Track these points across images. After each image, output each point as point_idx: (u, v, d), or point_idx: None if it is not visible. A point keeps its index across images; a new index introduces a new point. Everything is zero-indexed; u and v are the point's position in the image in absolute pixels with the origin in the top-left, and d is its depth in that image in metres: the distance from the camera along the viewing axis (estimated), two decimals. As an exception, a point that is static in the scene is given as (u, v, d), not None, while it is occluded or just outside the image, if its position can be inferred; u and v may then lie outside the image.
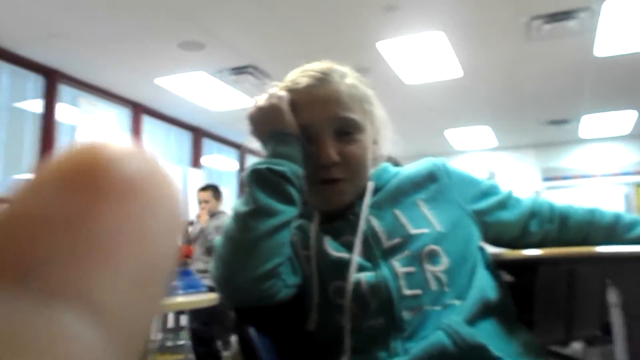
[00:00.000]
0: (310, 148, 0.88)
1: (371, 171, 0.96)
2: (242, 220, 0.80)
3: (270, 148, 0.86)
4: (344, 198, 0.90)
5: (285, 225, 0.82)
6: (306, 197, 0.90)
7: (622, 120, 7.30)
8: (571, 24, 4.32)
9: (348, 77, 0.92)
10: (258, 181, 0.82)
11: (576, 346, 2.98)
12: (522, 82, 5.81)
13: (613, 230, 0.96)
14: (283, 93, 0.89)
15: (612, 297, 1.81)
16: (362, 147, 0.90)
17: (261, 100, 0.90)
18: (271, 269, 0.79)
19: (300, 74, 0.91)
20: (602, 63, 5.19)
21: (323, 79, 0.89)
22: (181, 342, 5.52)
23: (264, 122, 0.89)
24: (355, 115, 0.89)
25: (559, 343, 1.19)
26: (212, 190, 5.09)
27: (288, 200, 0.82)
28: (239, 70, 5.19)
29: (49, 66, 5.08)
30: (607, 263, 0.91)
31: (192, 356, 5.16)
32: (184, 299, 1.90)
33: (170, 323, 5.65)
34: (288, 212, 0.82)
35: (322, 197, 0.91)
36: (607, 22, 4.28)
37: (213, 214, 4.97)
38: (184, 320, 5.50)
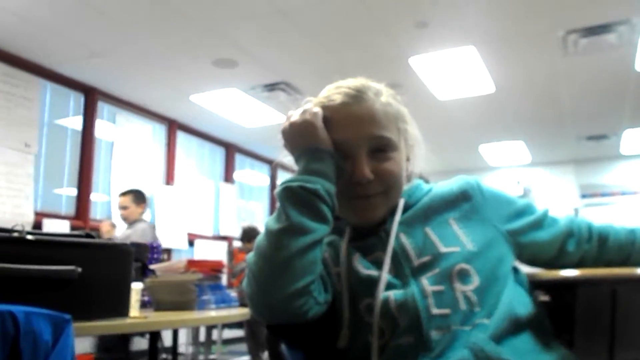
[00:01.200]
0: (345, 165, 0.88)
1: (404, 188, 0.95)
2: (275, 237, 0.80)
3: (303, 164, 0.86)
4: (377, 213, 0.90)
5: (317, 243, 0.81)
6: (338, 212, 0.90)
7: (664, 135, 7.07)
8: (610, 37, 4.23)
9: (383, 95, 0.92)
10: (291, 198, 0.82)
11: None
12: (558, 97, 5.71)
13: (656, 251, 0.93)
14: (317, 109, 0.89)
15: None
16: (396, 164, 0.90)
17: (295, 115, 0.90)
18: (303, 286, 0.79)
19: (335, 91, 0.91)
20: (642, 77, 5.06)
21: (358, 97, 0.89)
22: (213, 356, 5.55)
23: (298, 137, 0.89)
24: (389, 134, 0.89)
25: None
26: (133, 195, 4.53)
27: (320, 219, 0.82)
28: (271, 87, 5.26)
29: (88, 84, 5.26)
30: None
31: (223, 370, 5.17)
32: (215, 314, 1.91)
33: (202, 337, 5.69)
34: (320, 230, 0.82)
35: (354, 212, 0.91)
36: (648, 35, 4.18)
37: (131, 222, 4.46)
38: (215, 334, 5.54)
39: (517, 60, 4.76)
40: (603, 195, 8.34)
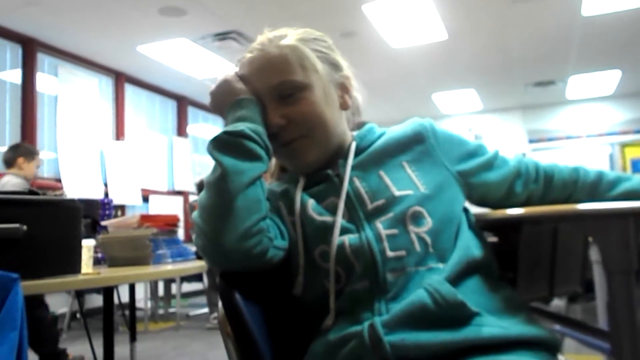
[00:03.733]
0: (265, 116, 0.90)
1: (344, 125, 0.96)
2: (213, 186, 0.81)
3: (228, 118, 0.89)
4: (307, 157, 0.91)
5: (255, 180, 0.83)
6: (281, 163, 0.96)
7: (606, 80, 7.32)
8: (557, -18, 4.27)
9: (285, 40, 0.92)
10: (219, 147, 0.84)
11: (559, 303, 3.06)
12: (508, 44, 5.78)
13: (596, 188, 0.97)
14: (231, 71, 0.94)
15: (594, 254, 1.84)
16: (309, 104, 0.89)
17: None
18: (252, 225, 0.80)
19: (249, 49, 0.94)
20: (589, 22, 5.16)
21: (260, 49, 0.92)
22: (172, 310, 5.59)
23: (220, 99, 0.92)
24: (292, 76, 0.89)
25: (542, 300, 1.22)
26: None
27: (252, 157, 0.83)
28: (222, 36, 5.09)
29: (26, 34, 4.95)
30: (589, 220, 0.92)
31: (183, 323, 5.23)
32: (172, 267, 1.90)
33: (161, 291, 5.70)
34: (255, 167, 0.83)
35: (286, 160, 0.95)
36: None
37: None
38: (174, 288, 5.55)
39: (468, 8, 4.76)
40: (549, 139, 8.65)
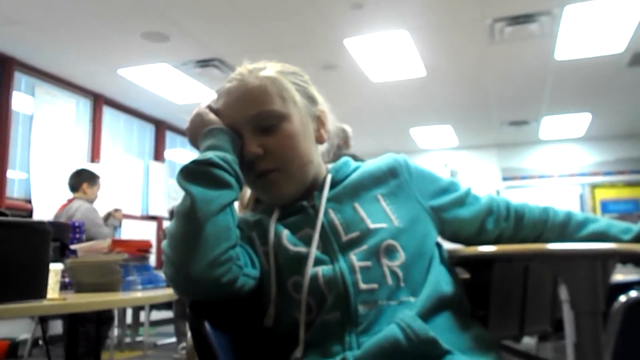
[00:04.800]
0: (242, 144, 0.91)
1: (319, 158, 0.97)
2: (182, 215, 0.81)
3: (200, 148, 0.90)
4: (281, 190, 0.91)
5: (225, 207, 0.82)
6: (256, 194, 0.97)
7: (578, 122, 7.54)
8: (533, 27, 4.43)
9: (264, 72, 0.93)
10: (188, 176, 0.83)
11: (529, 341, 3.07)
12: (485, 83, 5.93)
13: (565, 229, 0.99)
14: (205, 103, 0.96)
15: (563, 294, 1.86)
16: (286, 135, 0.90)
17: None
18: (220, 253, 0.79)
19: (228, 79, 0.95)
20: (561, 66, 5.35)
21: (238, 79, 0.92)
22: (140, 338, 5.43)
23: (194, 131, 0.93)
24: (271, 107, 0.90)
25: (512, 338, 1.22)
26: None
27: (221, 185, 0.83)
28: (204, 63, 5.12)
29: (4, 53, 4.90)
30: (558, 260, 0.94)
31: (150, 352, 5.08)
32: (142, 295, 1.86)
33: (129, 319, 5.55)
34: (224, 195, 0.83)
35: (260, 192, 0.95)
36: (568, 26, 4.40)
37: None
38: (143, 316, 5.41)
39: (448, 46, 4.89)
40: (522, 178, 8.82)
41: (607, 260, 0.92)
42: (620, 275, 1.72)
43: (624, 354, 1.52)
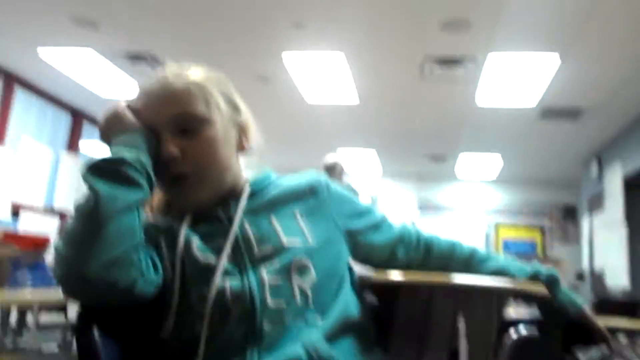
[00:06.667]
0: (158, 148, 0.87)
1: (238, 167, 0.95)
2: (82, 211, 0.76)
3: (113, 147, 0.85)
4: (196, 195, 0.88)
5: (130, 208, 0.78)
6: (169, 199, 0.93)
7: (491, 164, 8.01)
8: (459, 71, 4.70)
9: (190, 75, 0.91)
10: (94, 173, 0.79)
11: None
12: (411, 117, 6.17)
13: (469, 263, 1.04)
14: (122, 102, 0.91)
15: (461, 325, 1.95)
16: (206, 140, 0.88)
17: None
18: (120, 254, 0.75)
19: (151, 81, 0.92)
20: (481, 112, 5.69)
21: (162, 81, 0.90)
22: (23, 345, 5.03)
23: (107, 129, 0.88)
24: (194, 109, 0.88)
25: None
26: None
27: (129, 183, 0.79)
28: (135, 56, 4.93)
29: None
30: (458, 293, 0.98)
31: (34, 358, 4.71)
32: (32, 295, 1.72)
33: (13, 321, 5.11)
34: (131, 195, 0.79)
35: (173, 195, 0.91)
36: (489, 74, 4.71)
37: None
38: (30, 318, 5.01)
39: (381, 76, 5.04)
40: (437, 209, 9.22)
41: (503, 296, 0.97)
42: (511, 310, 1.82)
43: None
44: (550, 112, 5.58)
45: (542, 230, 9.17)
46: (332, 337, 0.80)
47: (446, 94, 5.28)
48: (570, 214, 8.87)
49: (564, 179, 8.49)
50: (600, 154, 6.71)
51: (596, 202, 6.74)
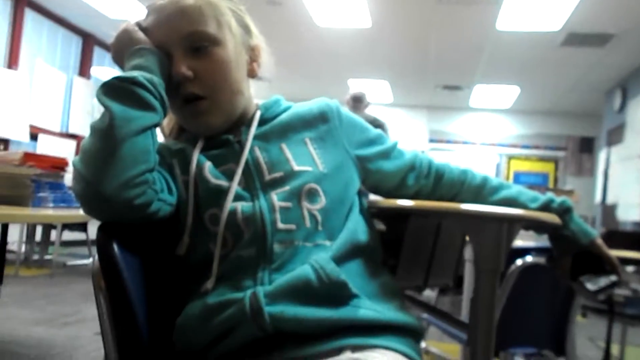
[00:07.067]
0: (170, 68, 0.86)
1: (249, 92, 0.95)
2: (98, 131, 0.77)
3: (126, 67, 0.85)
4: (208, 118, 0.89)
5: (145, 130, 0.79)
6: (180, 122, 0.93)
7: (506, 94, 7.85)
8: (479, -8, 4.49)
9: None
10: (109, 93, 0.79)
11: (430, 293, 3.28)
12: (426, 44, 5.99)
13: (480, 192, 1.04)
14: (132, 20, 0.90)
15: (468, 253, 1.99)
16: (218, 61, 0.87)
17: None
18: (137, 174, 0.76)
19: None
20: (500, 37, 5.49)
21: None
22: (48, 257, 5.27)
23: (119, 49, 0.87)
24: (204, 28, 0.87)
25: (416, 289, 1.29)
26: None
27: (144, 106, 0.79)
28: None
29: None
30: (469, 220, 0.99)
31: (59, 271, 4.95)
32: (53, 212, 1.78)
33: (38, 237, 5.35)
34: (146, 117, 0.79)
35: (186, 118, 0.91)
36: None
37: None
38: (54, 234, 5.23)
39: (395, 0, 4.86)
40: (447, 142, 9.16)
41: (513, 224, 0.99)
42: (519, 241, 1.86)
43: (513, 309, 1.66)
44: (575, 38, 5.37)
45: (556, 163, 9.12)
46: (340, 259, 0.83)
47: (465, 16, 5.08)
48: (586, 147, 8.79)
49: (583, 110, 8.34)
50: (625, 84, 6.53)
51: (616, 135, 6.65)
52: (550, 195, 1.05)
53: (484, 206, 0.97)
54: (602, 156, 7.18)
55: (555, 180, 9.11)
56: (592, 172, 8.35)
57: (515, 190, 1.05)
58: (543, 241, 1.22)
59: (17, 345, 2.70)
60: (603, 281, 1.04)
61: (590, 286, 1.05)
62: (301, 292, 0.77)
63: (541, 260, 1.64)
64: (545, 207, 1.03)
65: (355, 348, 0.76)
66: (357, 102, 4.57)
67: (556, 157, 9.08)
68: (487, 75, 6.98)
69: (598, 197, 7.12)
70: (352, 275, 0.82)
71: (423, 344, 0.90)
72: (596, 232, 1.05)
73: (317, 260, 0.79)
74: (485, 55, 6.15)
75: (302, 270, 0.79)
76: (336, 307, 0.78)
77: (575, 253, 1.06)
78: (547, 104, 8.25)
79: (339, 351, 0.76)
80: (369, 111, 4.77)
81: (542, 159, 9.15)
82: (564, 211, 1.03)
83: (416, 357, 0.81)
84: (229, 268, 0.82)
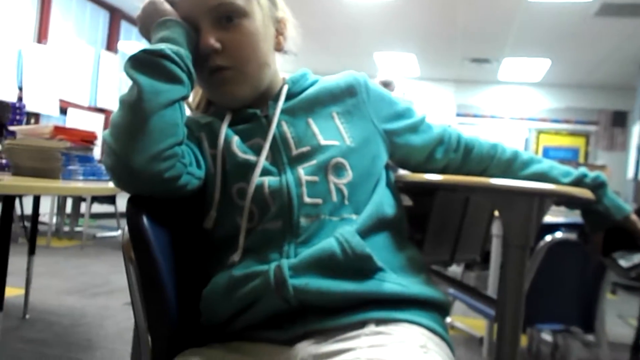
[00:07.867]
0: (197, 39, 0.86)
1: (276, 65, 0.94)
2: (126, 104, 0.77)
3: (152, 39, 0.85)
4: (235, 90, 0.88)
5: (173, 103, 0.79)
6: (207, 96, 0.93)
7: (537, 67, 7.65)
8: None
9: None
10: (137, 66, 0.79)
11: (456, 269, 3.27)
12: (454, 16, 5.85)
13: (510, 166, 1.02)
14: None
15: (496, 228, 1.97)
16: (246, 33, 0.87)
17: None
18: (165, 148, 0.76)
19: None
20: (531, 7, 5.32)
21: None
22: (79, 229, 5.40)
23: (146, 20, 0.87)
24: (233, 0, 0.86)
25: (443, 263, 1.29)
26: None
27: (171, 79, 0.79)
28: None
29: None
30: (498, 195, 0.97)
31: (89, 243, 5.09)
32: (83, 185, 1.82)
33: (69, 209, 5.48)
34: (174, 90, 0.79)
35: (214, 90, 0.91)
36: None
37: None
38: (83, 207, 5.35)
39: (424, -30, 4.74)
40: (475, 116, 9.00)
41: (544, 199, 0.97)
42: (548, 217, 1.82)
43: (541, 285, 1.64)
44: (610, 8, 5.17)
45: (587, 137, 8.90)
46: (366, 232, 0.82)
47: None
48: (619, 121, 8.54)
49: (617, 83, 8.08)
50: (660, 57, 6.29)
51: (650, 109, 6.43)
52: (583, 169, 1.03)
53: (514, 181, 0.95)
54: (635, 130, 6.98)
55: (586, 155, 8.90)
56: (625, 146, 8.13)
57: (547, 164, 1.02)
58: (573, 217, 1.19)
59: (50, 314, 2.79)
60: (637, 258, 1.02)
61: (624, 263, 1.03)
62: (326, 265, 0.77)
63: (571, 236, 1.61)
64: (578, 181, 1.01)
65: (379, 322, 0.76)
66: (385, 88, 4.52)
67: (587, 132, 8.85)
68: (517, 48, 6.80)
69: (630, 172, 6.94)
70: (377, 248, 0.82)
71: (448, 319, 0.89)
72: (630, 208, 1.02)
73: (342, 233, 0.79)
74: (515, 27, 5.98)
75: (326, 243, 0.78)
76: (361, 280, 0.78)
77: (607, 229, 1.03)
78: (578, 76, 8.01)
79: (362, 324, 0.76)
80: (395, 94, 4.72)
81: (572, 133, 8.94)
82: (598, 186, 1.01)
83: (442, 332, 0.80)
84: (255, 241, 0.83)
